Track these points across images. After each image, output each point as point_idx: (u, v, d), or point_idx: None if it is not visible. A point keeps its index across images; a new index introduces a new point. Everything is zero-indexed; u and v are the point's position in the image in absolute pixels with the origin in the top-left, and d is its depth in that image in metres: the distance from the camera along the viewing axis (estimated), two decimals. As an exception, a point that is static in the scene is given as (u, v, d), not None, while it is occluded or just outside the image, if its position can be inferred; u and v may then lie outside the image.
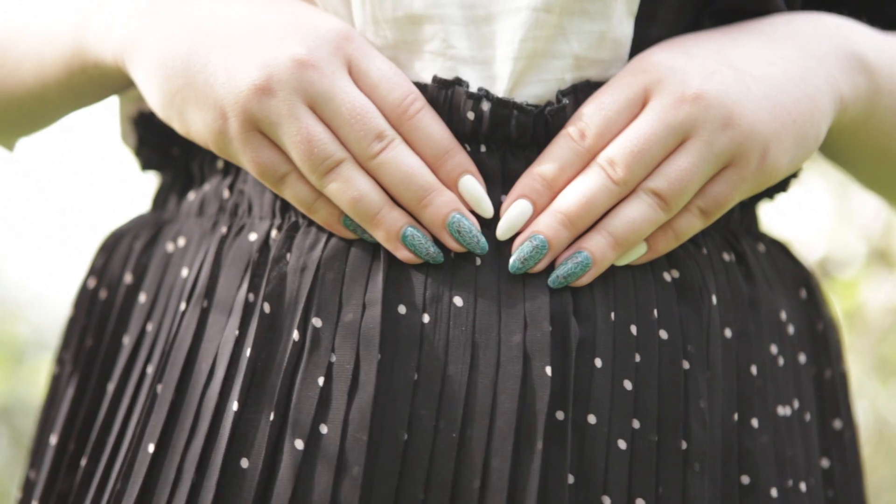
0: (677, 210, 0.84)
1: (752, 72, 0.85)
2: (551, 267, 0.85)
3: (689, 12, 0.90)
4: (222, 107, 0.82)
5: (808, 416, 0.95)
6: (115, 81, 0.93)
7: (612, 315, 0.85)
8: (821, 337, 0.99)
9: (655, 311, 0.86)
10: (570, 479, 0.83)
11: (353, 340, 0.84)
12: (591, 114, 0.83)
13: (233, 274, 0.88)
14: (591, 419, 0.83)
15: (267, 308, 0.86)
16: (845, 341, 1.04)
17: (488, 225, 0.85)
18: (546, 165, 0.83)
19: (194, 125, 0.84)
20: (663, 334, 0.86)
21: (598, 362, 0.84)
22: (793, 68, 0.87)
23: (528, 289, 0.84)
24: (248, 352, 0.85)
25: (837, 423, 0.99)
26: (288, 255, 0.86)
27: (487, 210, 0.84)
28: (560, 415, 0.83)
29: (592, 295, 0.85)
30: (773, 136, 0.84)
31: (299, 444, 0.83)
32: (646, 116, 0.83)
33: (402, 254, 0.83)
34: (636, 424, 0.85)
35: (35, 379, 3.69)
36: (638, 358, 0.85)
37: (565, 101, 0.85)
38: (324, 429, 0.83)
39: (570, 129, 0.84)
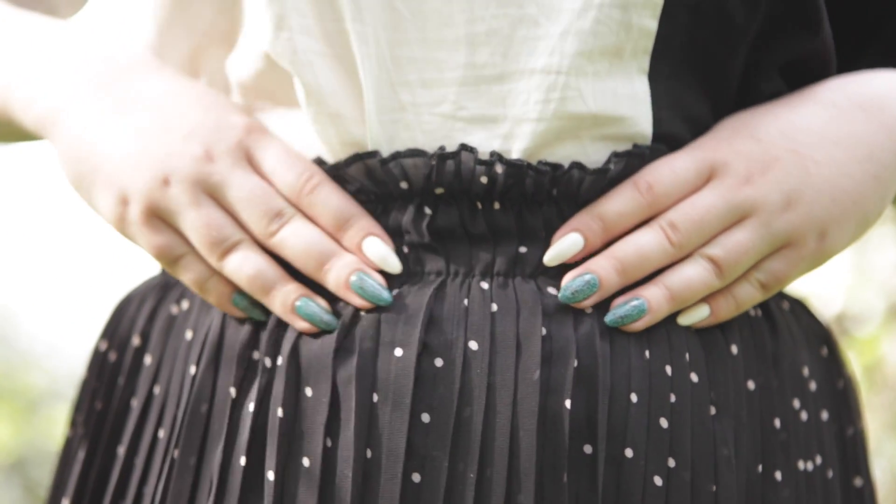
0: (731, 279, 0.87)
1: (815, 156, 0.87)
2: (571, 309, 0.86)
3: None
4: (125, 195, 0.87)
5: (830, 473, 0.95)
6: (40, 138, 0.96)
7: (647, 353, 0.86)
8: (841, 394, 1.00)
9: (687, 355, 0.87)
10: None
11: (349, 387, 0.85)
12: (661, 173, 0.87)
13: (233, 333, 0.90)
14: (629, 453, 0.84)
15: (268, 363, 0.87)
16: (864, 398, 1.04)
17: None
18: (607, 209, 0.86)
19: (98, 206, 0.89)
20: (694, 377, 0.87)
21: (634, 398, 0.85)
22: (860, 149, 0.89)
23: (549, 328, 0.85)
24: (250, 406, 0.87)
25: (858, 481, 0.99)
26: None
27: (395, 266, 0.86)
28: (588, 448, 0.84)
29: (626, 335, 0.86)
30: (832, 220, 0.88)
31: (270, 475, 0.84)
32: (709, 191, 0.87)
33: (299, 325, 0.86)
34: (672, 463, 0.85)
35: (50, 429, 3.69)
36: (673, 398, 0.86)
37: (611, 166, 0.86)
38: (306, 461, 0.84)
39: (639, 181, 0.86)
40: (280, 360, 0.87)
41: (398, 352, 0.85)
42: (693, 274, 0.86)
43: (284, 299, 0.86)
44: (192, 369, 0.91)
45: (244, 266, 0.86)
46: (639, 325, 0.86)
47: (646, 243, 0.86)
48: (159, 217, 0.87)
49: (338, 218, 0.86)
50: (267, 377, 0.87)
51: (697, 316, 0.88)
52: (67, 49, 0.92)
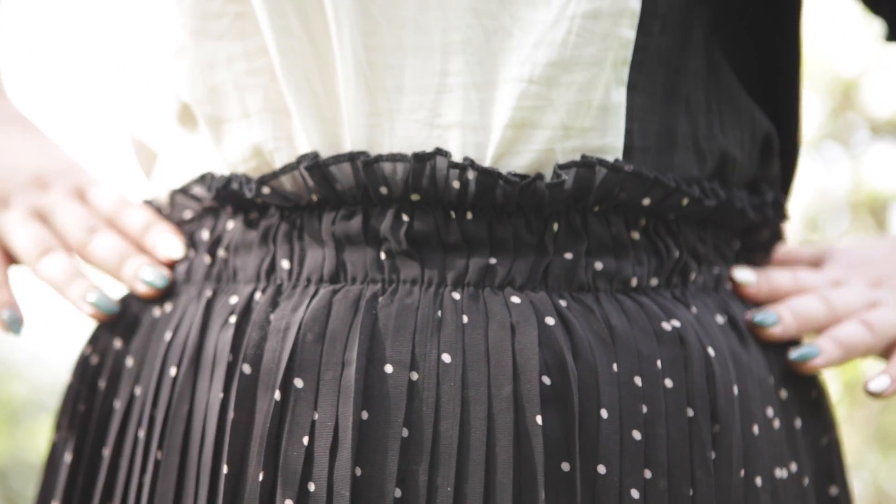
0: (882, 337, 1.01)
1: None
2: (535, 322, 0.86)
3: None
4: None
5: (806, 481, 0.96)
6: None
7: (615, 366, 0.87)
8: (815, 404, 1.01)
9: (659, 362, 0.88)
10: None
11: (333, 398, 0.86)
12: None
13: (214, 337, 0.92)
14: (601, 469, 0.85)
15: (247, 369, 0.88)
16: (846, 412, 1.06)
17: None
18: (799, 309, 1.00)
19: None
20: (668, 383, 0.88)
21: (604, 413, 0.86)
22: None
23: (517, 343, 0.86)
24: (231, 414, 0.87)
25: (834, 490, 1.00)
26: (271, 316, 0.90)
27: (177, 253, 0.99)
28: (566, 466, 0.85)
29: (592, 349, 0.87)
30: None
31: (290, 503, 0.84)
32: (850, 288, 1.04)
33: (86, 310, 1.01)
34: (648, 474, 0.86)
35: (32, 439, 3.68)
36: (645, 409, 0.87)
37: (564, 176, 0.87)
38: (311, 486, 0.85)
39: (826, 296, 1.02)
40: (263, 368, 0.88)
41: (388, 368, 0.86)
42: (852, 330, 1.00)
43: (80, 290, 1.01)
44: (173, 370, 0.92)
45: (52, 265, 1.02)
46: (818, 361, 0.98)
47: (810, 307, 1.01)
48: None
49: (139, 228, 1.02)
50: (245, 383, 0.88)
51: (881, 385, 1.00)
52: None
